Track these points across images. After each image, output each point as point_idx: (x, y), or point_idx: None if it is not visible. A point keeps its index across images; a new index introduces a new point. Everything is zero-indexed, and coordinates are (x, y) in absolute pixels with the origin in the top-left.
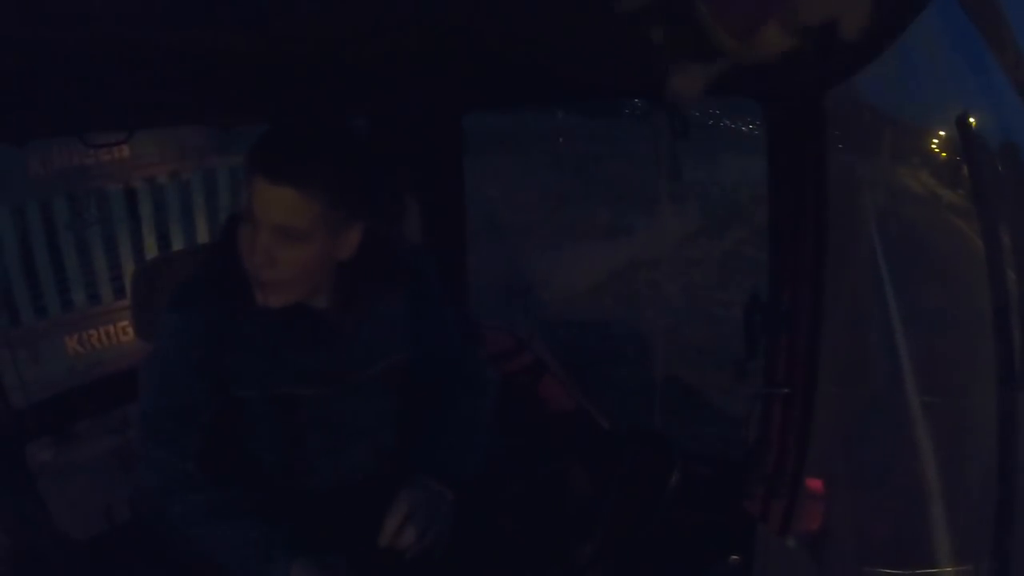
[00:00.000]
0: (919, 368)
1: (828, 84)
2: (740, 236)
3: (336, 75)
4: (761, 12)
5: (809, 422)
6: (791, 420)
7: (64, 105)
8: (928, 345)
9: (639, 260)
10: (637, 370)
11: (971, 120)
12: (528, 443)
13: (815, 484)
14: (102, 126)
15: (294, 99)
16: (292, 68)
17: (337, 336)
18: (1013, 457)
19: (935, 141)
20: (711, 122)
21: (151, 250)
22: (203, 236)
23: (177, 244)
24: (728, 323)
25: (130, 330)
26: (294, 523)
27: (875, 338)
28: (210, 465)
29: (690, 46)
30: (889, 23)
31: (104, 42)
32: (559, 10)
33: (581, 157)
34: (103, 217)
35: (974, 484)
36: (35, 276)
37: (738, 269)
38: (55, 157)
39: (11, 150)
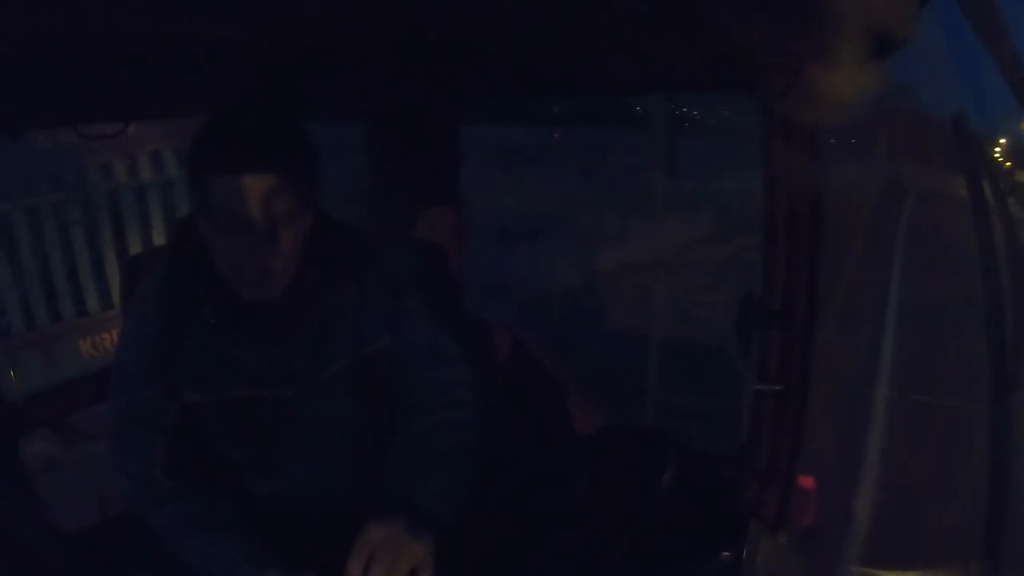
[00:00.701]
0: (915, 367)
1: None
2: (746, 243)
3: (333, 71)
4: None
5: (802, 419)
6: (784, 417)
7: (59, 96)
8: (924, 344)
9: (631, 263)
10: (611, 368)
11: (967, 119)
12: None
13: (807, 481)
14: (97, 117)
15: (289, 92)
16: (289, 62)
17: (291, 333)
18: (1005, 458)
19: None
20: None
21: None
22: None
23: None
24: (702, 323)
25: None
26: (271, 532)
27: (870, 336)
28: (181, 469)
29: (685, 42)
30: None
31: (100, 31)
32: (556, 7)
33: (617, 169)
34: (116, 219)
35: (966, 484)
36: (50, 279)
37: (732, 276)
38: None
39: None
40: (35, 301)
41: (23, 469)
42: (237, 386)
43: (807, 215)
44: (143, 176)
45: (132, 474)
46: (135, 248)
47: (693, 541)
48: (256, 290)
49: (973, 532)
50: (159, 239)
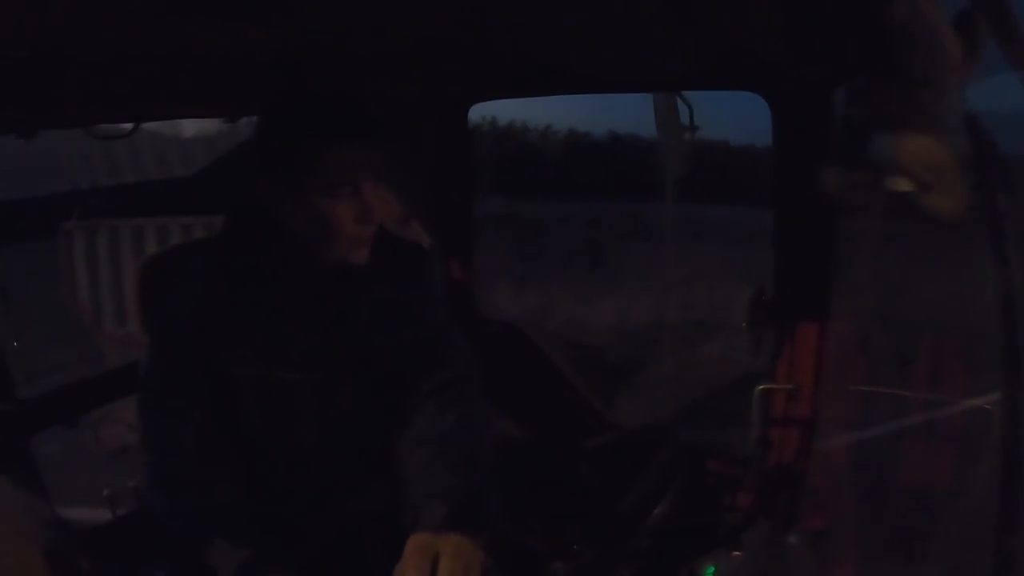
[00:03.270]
0: (926, 366)
1: (836, 81)
2: None
3: (342, 65)
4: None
5: (813, 419)
6: (795, 416)
7: (72, 97)
8: (936, 344)
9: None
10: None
11: (979, 120)
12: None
13: (818, 482)
14: (109, 118)
15: (300, 90)
16: (298, 59)
17: (337, 319)
18: (1016, 458)
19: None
20: None
21: None
22: None
23: None
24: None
25: None
26: (294, 531)
27: (881, 335)
28: (209, 457)
29: (695, 38)
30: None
31: (112, 34)
32: (563, 3)
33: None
34: None
35: (977, 484)
36: None
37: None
38: None
39: None
40: None
41: (35, 467)
42: (277, 366)
43: (818, 214)
44: None
45: (159, 435)
46: None
47: (703, 540)
48: (358, 253)
49: (985, 533)
50: None
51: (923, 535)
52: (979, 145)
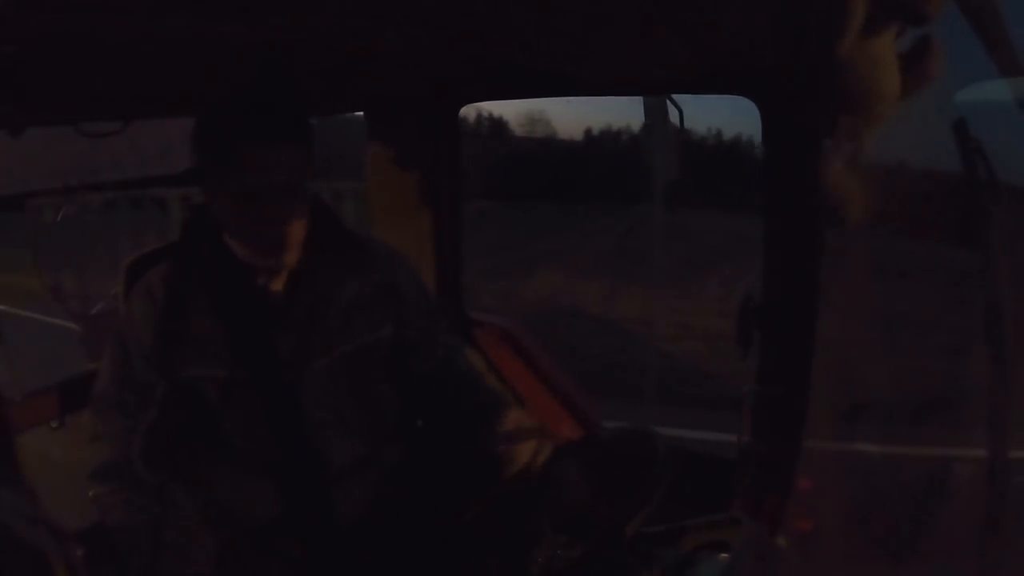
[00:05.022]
0: (914, 369)
1: (823, 86)
2: None
3: (333, 66)
4: None
5: (801, 421)
6: (783, 419)
7: (60, 94)
8: (926, 347)
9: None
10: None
11: (968, 125)
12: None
13: (806, 484)
14: (98, 115)
15: (292, 89)
16: (289, 60)
17: (293, 320)
18: (1004, 460)
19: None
20: None
21: None
22: None
23: None
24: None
25: None
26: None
27: (870, 338)
28: (160, 462)
29: (685, 40)
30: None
31: (101, 30)
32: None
33: None
34: None
35: (966, 486)
36: None
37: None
38: None
39: None
40: None
41: (21, 468)
42: (237, 367)
43: (807, 217)
44: None
45: (114, 435)
46: None
47: (689, 543)
48: (275, 257)
49: (973, 533)
50: None
51: (910, 538)
52: (967, 153)
